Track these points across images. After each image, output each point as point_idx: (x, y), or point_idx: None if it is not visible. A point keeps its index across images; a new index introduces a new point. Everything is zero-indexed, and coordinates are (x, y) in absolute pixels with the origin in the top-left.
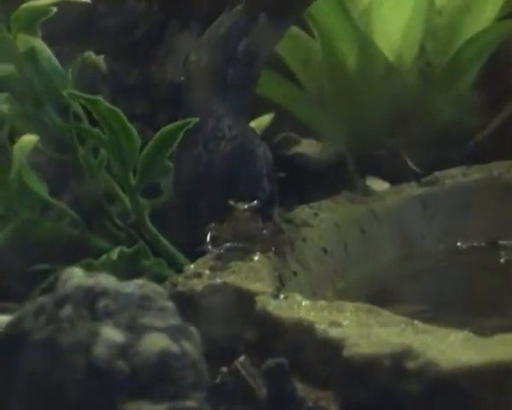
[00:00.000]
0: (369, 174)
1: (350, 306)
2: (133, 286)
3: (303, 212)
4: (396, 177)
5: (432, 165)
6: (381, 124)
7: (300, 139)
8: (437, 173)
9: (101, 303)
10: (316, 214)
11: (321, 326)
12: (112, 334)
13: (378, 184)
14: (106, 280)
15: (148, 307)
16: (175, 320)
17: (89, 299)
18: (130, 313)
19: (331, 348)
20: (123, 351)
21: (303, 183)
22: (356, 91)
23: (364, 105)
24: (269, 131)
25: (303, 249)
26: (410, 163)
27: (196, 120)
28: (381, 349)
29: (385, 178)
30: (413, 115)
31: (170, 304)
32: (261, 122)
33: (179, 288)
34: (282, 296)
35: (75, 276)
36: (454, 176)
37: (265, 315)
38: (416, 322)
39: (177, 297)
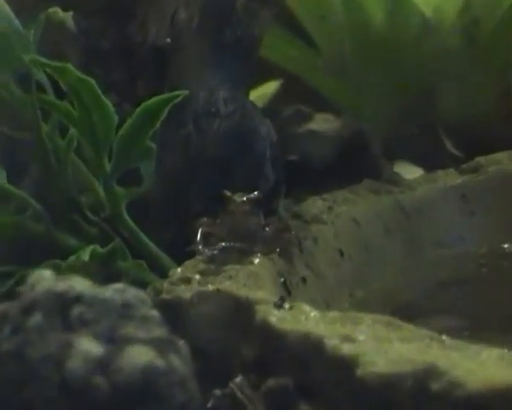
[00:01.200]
0: (398, 158)
1: (366, 318)
2: (112, 291)
3: (314, 205)
4: (431, 162)
5: (474, 148)
6: (413, 96)
7: (314, 114)
8: (480, 159)
9: (76, 311)
10: (330, 208)
11: (332, 341)
12: (88, 346)
13: (409, 171)
14: (80, 284)
15: (130, 315)
16: (161, 331)
17: (61, 306)
18: (110, 322)
19: (343, 367)
20: (101, 366)
21: (315, 169)
22: (384, 55)
23: (394, 72)
24: (275, 104)
25: (314, 251)
26: (448, 145)
27: (185, 92)
28: (401, 368)
29: (417, 163)
30: (453, 86)
31: (155, 313)
32: (265, 92)
33: (164, 296)
34: (286, 306)
35: (44, 279)
36: (500, 161)
37: (267, 328)
38: (443, 337)
39: (162, 307)
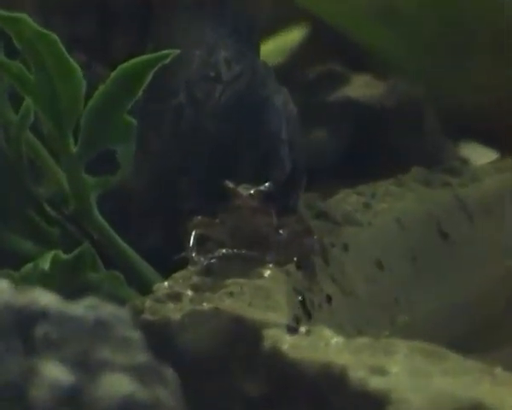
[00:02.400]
0: (464, 138)
1: (403, 346)
2: (84, 308)
3: (346, 201)
4: (508, 142)
5: None
6: (487, 54)
7: (350, 75)
8: None
9: (40, 330)
10: (367, 205)
11: (358, 373)
12: (55, 373)
13: (479, 155)
14: (45, 298)
15: (107, 337)
16: (144, 357)
17: (22, 324)
18: (81, 344)
19: (371, 405)
20: (71, 397)
21: (348, 152)
22: None
23: (460, 21)
24: (296, 62)
25: (344, 262)
26: None
27: (176, 51)
28: (441, 407)
29: (490, 143)
30: None
31: (137, 334)
32: (283, 45)
33: (146, 316)
34: (302, 330)
35: (0, 291)
36: None
37: (277, 357)
38: (497, 370)
39: (144, 330)
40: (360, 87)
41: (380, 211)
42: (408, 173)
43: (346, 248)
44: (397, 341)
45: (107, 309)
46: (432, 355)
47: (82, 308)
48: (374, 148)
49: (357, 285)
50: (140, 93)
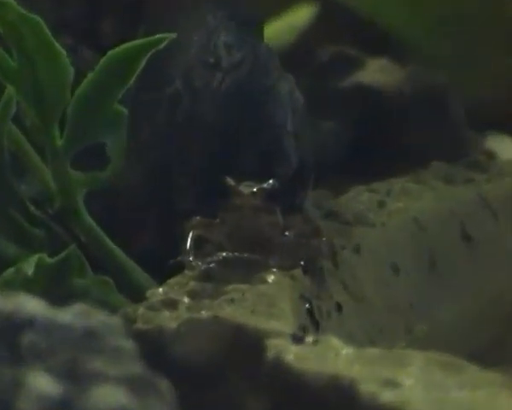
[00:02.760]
0: (490, 129)
1: (418, 357)
2: (73, 315)
3: (358, 199)
4: None
5: None
6: None
7: (365, 58)
8: None
9: (27, 339)
10: (381, 204)
11: (369, 386)
12: (43, 384)
13: (506, 146)
14: (31, 304)
15: (97, 346)
16: (137, 367)
17: (8, 332)
18: (71, 354)
19: None
20: (60, 409)
21: (360, 144)
22: None
23: (487, 5)
24: (304, 44)
25: (355, 265)
26: None
27: (172, 35)
28: None
29: None
30: None
31: (129, 343)
32: (292, 24)
33: (139, 325)
34: (309, 340)
35: None
36: None
37: (282, 369)
38: None
39: (137, 339)
40: (376, 72)
41: (395, 210)
42: (427, 169)
43: (357, 250)
44: (411, 352)
45: (98, 317)
46: (448, 367)
47: (71, 316)
48: (389, 140)
49: (370, 291)
50: (132, 81)
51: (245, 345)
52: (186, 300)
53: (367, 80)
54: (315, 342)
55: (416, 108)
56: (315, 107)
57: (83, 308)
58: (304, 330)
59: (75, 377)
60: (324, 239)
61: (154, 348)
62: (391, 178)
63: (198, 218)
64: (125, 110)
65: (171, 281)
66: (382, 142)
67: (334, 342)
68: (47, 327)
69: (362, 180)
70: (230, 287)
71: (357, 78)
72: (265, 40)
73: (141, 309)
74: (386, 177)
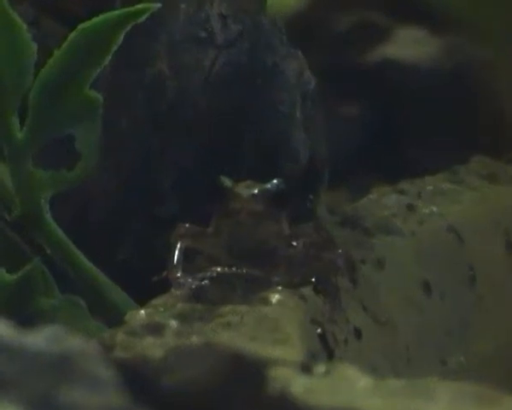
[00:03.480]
0: None
1: (447, 389)
2: (45, 339)
3: (382, 202)
4: None
5: None
6: None
7: (394, 28)
8: None
9: None
10: (411, 208)
11: None
12: None
13: None
14: None
15: (73, 374)
16: (119, 399)
17: None
18: (43, 383)
19: None
20: None
21: (388, 135)
22: None
23: None
24: (321, 9)
25: (378, 283)
26: None
27: (155, 6)
28: None
29: None
30: None
31: (109, 372)
32: None
33: (119, 353)
34: (320, 370)
35: None
36: None
37: (287, 404)
38: None
39: (116, 369)
40: (406, 45)
41: (428, 216)
42: (466, 164)
43: (381, 265)
44: (440, 383)
45: (74, 342)
46: (482, 399)
47: (42, 340)
48: (422, 128)
49: (396, 314)
50: (107, 60)
51: (244, 376)
52: (173, 324)
53: (395, 54)
54: (327, 373)
55: (454, 88)
56: (330, 89)
57: (56, 332)
58: (314, 358)
59: None
60: (340, 251)
61: (136, 379)
62: (423, 176)
63: (187, 226)
64: (98, 96)
65: (156, 301)
66: (413, 131)
67: (350, 371)
68: (15, 352)
69: (387, 179)
70: (227, 309)
71: (383, 51)
72: (268, 9)
73: (120, 335)
74: (417, 175)
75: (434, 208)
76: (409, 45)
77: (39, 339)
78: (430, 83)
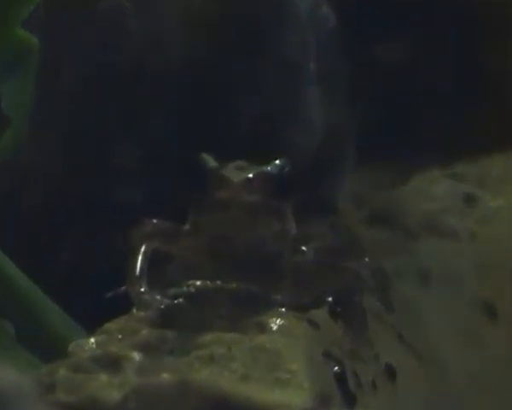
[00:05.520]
0: None
1: None
2: None
3: (429, 190)
4: None
5: None
6: None
7: None
8: None
9: None
10: (469, 198)
11: None
12: None
13: None
14: None
15: None
16: None
17: None
18: None
19: None
20: None
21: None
22: None
23: None
24: None
25: (420, 303)
26: None
27: None
28: None
29: None
30: None
31: None
32: None
33: (60, 395)
34: None
35: None
36: None
37: None
38: None
39: None
40: None
41: (493, 212)
42: None
43: (426, 279)
44: None
45: (9, 376)
46: None
47: None
48: (481, 87)
49: (447, 348)
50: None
51: None
52: (136, 356)
53: None
54: None
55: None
56: (357, 27)
57: None
58: (327, 403)
59: None
60: (367, 260)
61: None
62: (480, 154)
63: (155, 221)
64: (33, 38)
65: (111, 326)
66: (467, 89)
67: None
68: None
69: (432, 159)
70: (209, 337)
71: None
72: None
73: (62, 371)
74: (473, 153)
75: (501, 201)
76: None
77: None
78: (498, 23)
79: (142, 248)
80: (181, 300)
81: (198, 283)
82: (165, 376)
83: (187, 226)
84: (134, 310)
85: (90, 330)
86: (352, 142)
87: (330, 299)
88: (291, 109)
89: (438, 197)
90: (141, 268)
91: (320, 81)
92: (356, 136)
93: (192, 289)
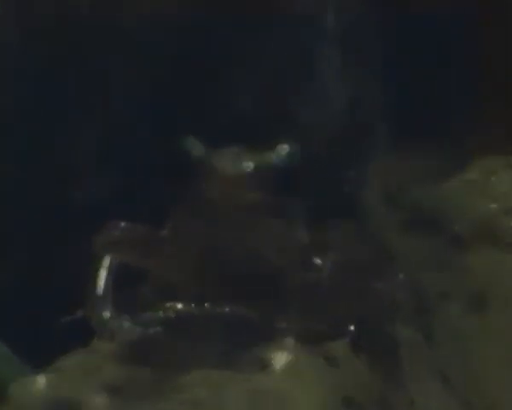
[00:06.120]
0: None
1: None
2: None
3: (487, 186)
4: None
5: None
6: None
7: None
8: None
9: None
10: None
11: None
12: None
13: None
14: None
15: None
16: None
17: None
18: None
19: None
20: None
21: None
22: None
23: None
24: None
25: (473, 336)
26: None
27: None
28: None
29: None
30: None
31: None
32: None
33: None
34: None
35: None
36: None
37: None
38: None
39: None
40: None
41: None
42: None
43: (481, 303)
44: None
45: None
46: None
47: None
48: None
49: (506, 392)
50: None
51: None
52: (98, 401)
53: None
54: None
55: None
56: None
57: None
58: None
59: None
60: (402, 277)
61: None
62: None
63: (122, 224)
64: None
65: (65, 362)
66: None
67: None
68: None
69: (492, 143)
70: (192, 376)
71: None
72: None
73: None
74: None
75: None
76: None
77: None
78: None
79: (107, 260)
80: (157, 328)
81: (179, 306)
82: None
83: (165, 231)
84: (95, 339)
85: (38, 368)
86: (384, 120)
87: (352, 328)
88: (302, 81)
89: (498, 195)
90: (105, 286)
91: (340, 45)
92: (388, 112)
93: (171, 315)
